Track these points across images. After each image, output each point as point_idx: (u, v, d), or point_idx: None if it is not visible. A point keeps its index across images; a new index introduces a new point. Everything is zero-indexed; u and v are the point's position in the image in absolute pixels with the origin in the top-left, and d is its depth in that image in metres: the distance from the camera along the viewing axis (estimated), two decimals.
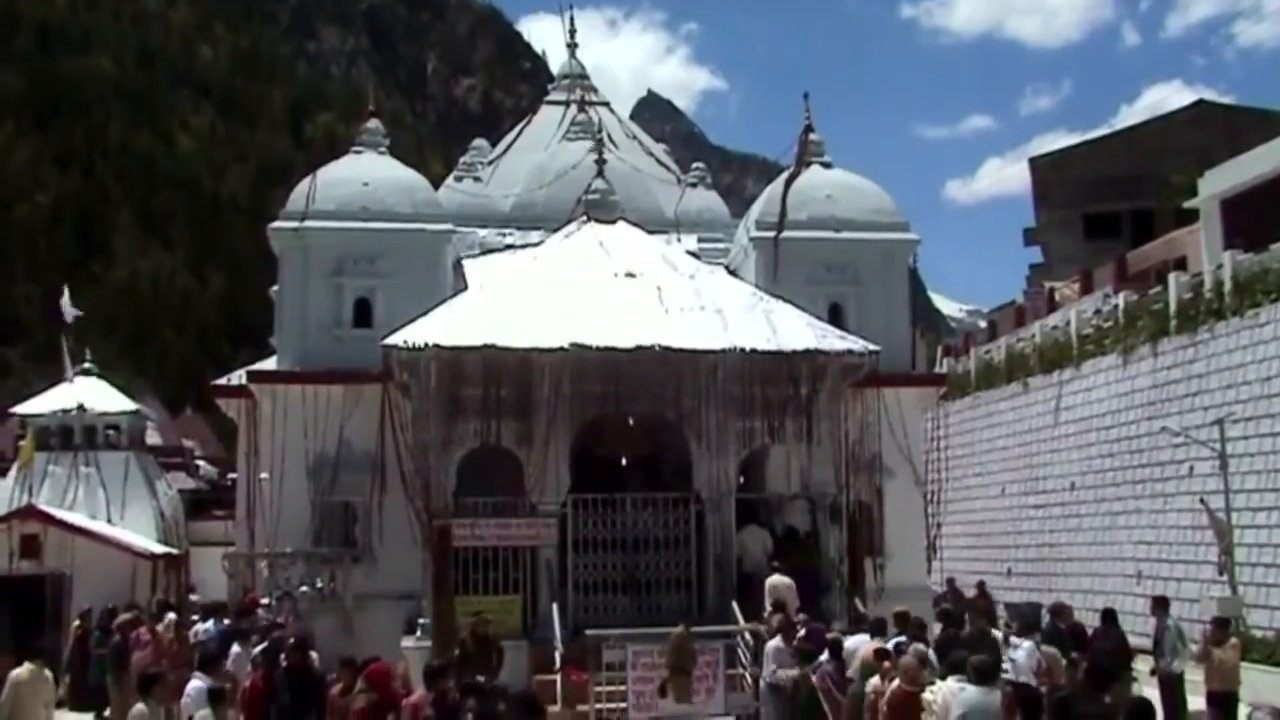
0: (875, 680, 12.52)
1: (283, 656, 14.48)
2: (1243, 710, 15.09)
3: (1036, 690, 10.14)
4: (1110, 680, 11.24)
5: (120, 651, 20.27)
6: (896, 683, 12.08)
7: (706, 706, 17.18)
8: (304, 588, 22.44)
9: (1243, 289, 28.89)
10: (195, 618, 23.08)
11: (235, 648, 16.88)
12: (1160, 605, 18.46)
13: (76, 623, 25.72)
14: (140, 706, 11.79)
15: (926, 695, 11.11)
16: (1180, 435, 28.63)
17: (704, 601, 20.68)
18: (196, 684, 13.66)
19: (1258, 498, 26.83)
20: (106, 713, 20.50)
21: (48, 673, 15.46)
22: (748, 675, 18.79)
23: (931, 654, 13.03)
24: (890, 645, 15.01)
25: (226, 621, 20.41)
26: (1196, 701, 17.29)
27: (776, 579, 19.88)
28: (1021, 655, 14.31)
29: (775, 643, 16.18)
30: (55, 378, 39.07)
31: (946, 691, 10.72)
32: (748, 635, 18.93)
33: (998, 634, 17.34)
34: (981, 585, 27.34)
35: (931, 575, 25.93)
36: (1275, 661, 21.99)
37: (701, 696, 17.34)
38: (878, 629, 15.88)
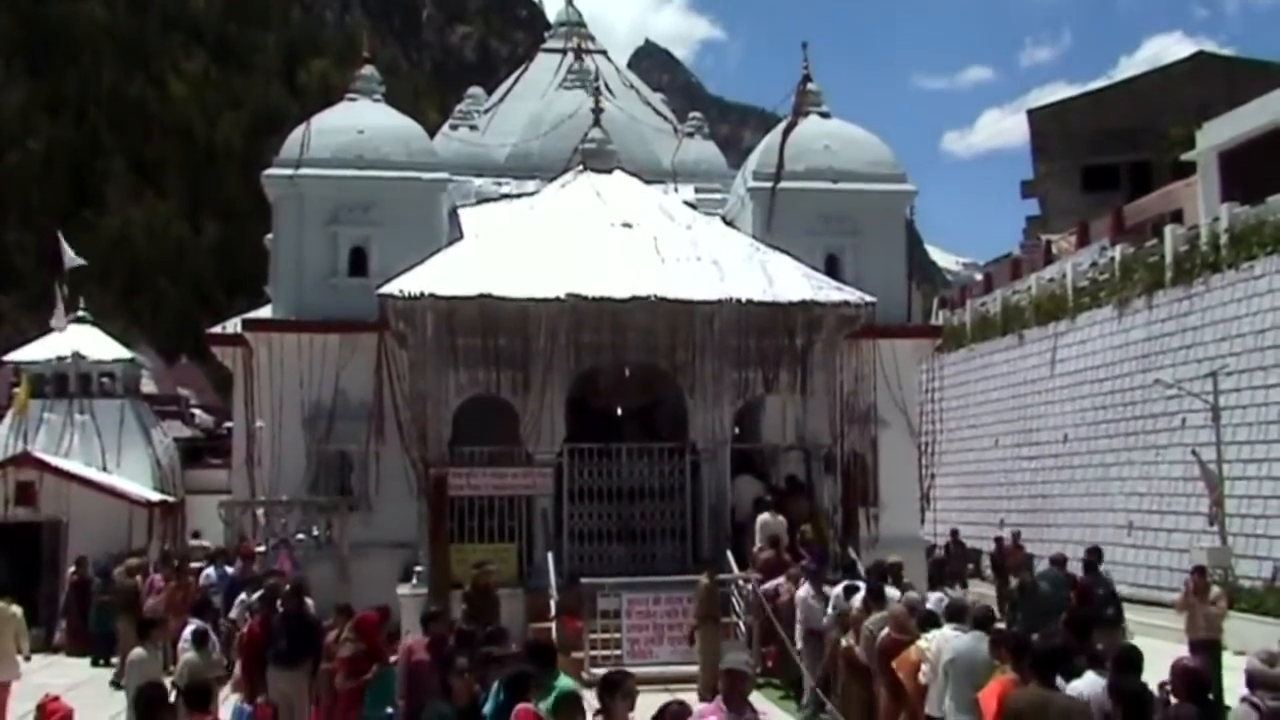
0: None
1: (279, 603, 14.59)
2: (1226, 657, 15.20)
3: (1023, 636, 10.23)
4: (1090, 628, 11.33)
5: (131, 597, 20.42)
6: (886, 630, 12.21)
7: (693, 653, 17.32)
8: (300, 535, 22.56)
9: (1239, 241, 28.89)
10: (200, 564, 23.24)
11: (242, 594, 17.07)
12: (1094, 555, 18.38)
13: (73, 570, 25.88)
14: (139, 649, 11.90)
15: (921, 642, 11.22)
16: (1173, 387, 28.72)
17: (699, 550, 20.80)
18: (192, 628, 13.80)
19: (1249, 449, 26.96)
20: (114, 658, 20.65)
21: (15, 609, 16.63)
22: (741, 624, 18.97)
23: (931, 604, 13.13)
24: (840, 589, 15.23)
25: (229, 569, 20.57)
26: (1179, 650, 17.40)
27: (767, 517, 20.05)
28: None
29: (804, 592, 16.36)
30: (48, 325, 39.01)
31: (940, 639, 10.82)
32: (742, 583, 19.10)
33: None
34: (1016, 536, 27.19)
35: (925, 526, 26.05)
36: (1264, 611, 22.18)
37: (686, 645, 17.53)
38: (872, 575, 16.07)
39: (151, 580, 21.25)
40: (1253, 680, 7.68)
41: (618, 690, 7.79)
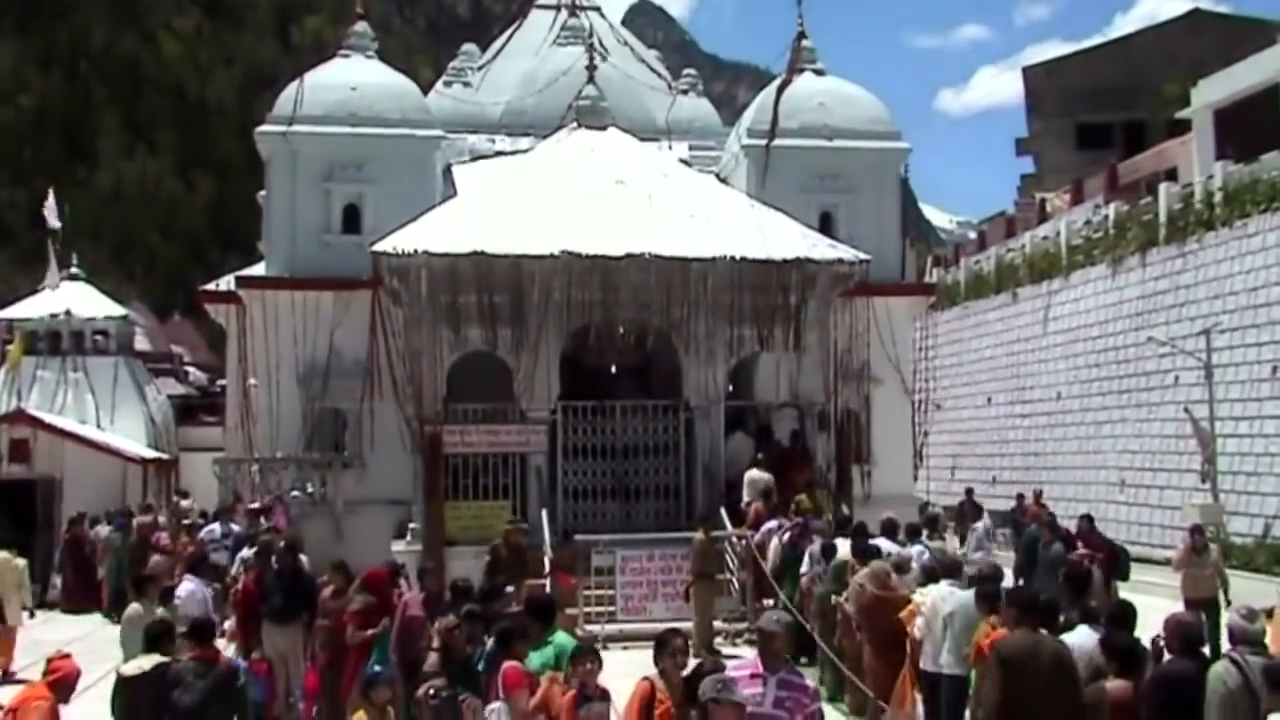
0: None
1: (274, 559, 14.65)
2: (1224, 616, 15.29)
3: (1001, 588, 10.35)
4: (1087, 584, 11.44)
5: (140, 552, 20.49)
6: (865, 586, 12.31)
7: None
8: (295, 493, 22.62)
9: (1232, 199, 28.90)
10: (199, 521, 23.34)
11: (244, 550, 17.17)
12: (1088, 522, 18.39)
13: (67, 526, 25.97)
14: (135, 605, 11.99)
15: (916, 597, 11.29)
16: (1166, 345, 28.80)
17: (692, 507, 20.87)
18: (187, 585, 13.86)
19: (1240, 407, 27.07)
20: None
21: (19, 560, 17.54)
22: (735, 580, 19.08)
23: (916, 561, 13.21)
24: (817, 547, 15.39)
25: (234, 526, 20.61)
26: (1172, 607, 17.51)
27: (755, 472, 20.15)
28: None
29: (815, 549, 16.56)
30: (41, 282, 38.93)
31: (936, 595, 10.90)
32: (736, 540, 19.20)
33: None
34: (1038, 495, 27.16)
35: (918, 483, 26.16)
36: (1254, 567, 22.35)
37: (680, 601, 17.65)
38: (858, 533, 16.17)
39: (158, 537, 21.36)
40: (1234, 636, 7.76)
41: (664, 649, 7.75)
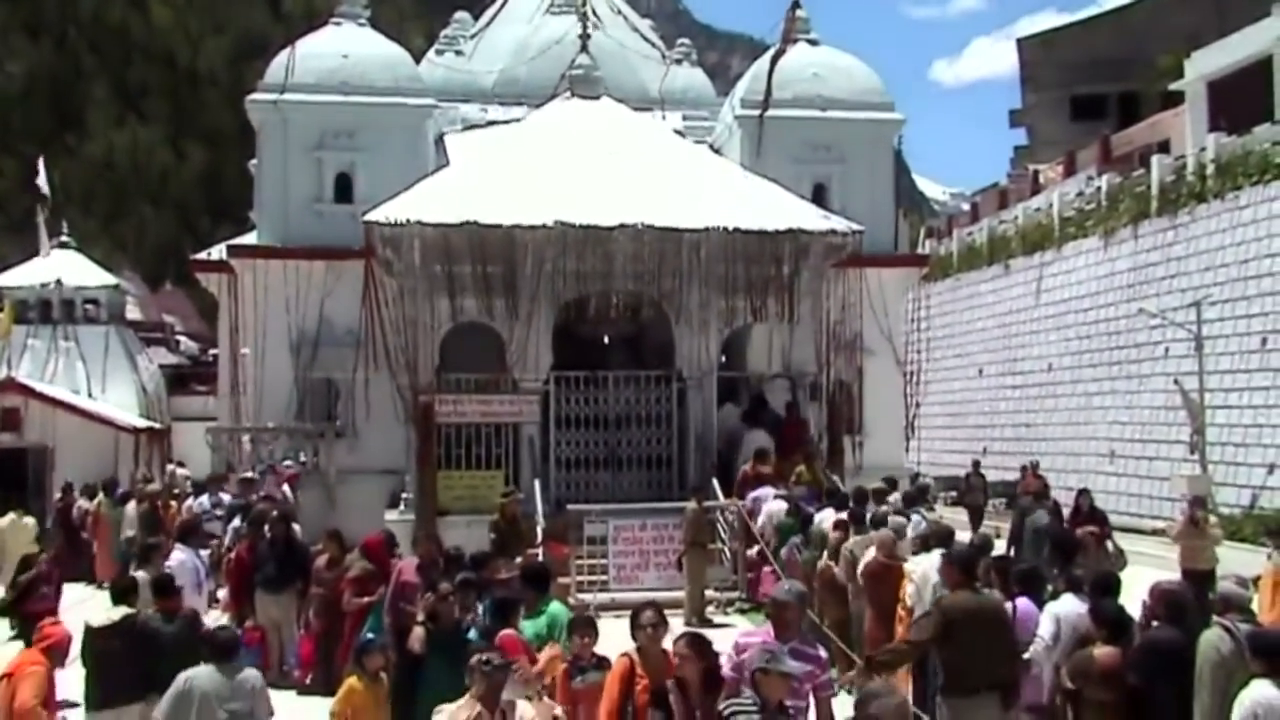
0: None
1: (267, 528, 14.70)
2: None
3: (971, 551, 10.45)
4: (1074, 553, 11.52)
5: (151, 520, 20.50)
6: (872, 553, 12.37)
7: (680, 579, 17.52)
8: (287, 462, 22.64)
9: (1225, 172, 28.92)
10: (189, 490, 23.39)
11: (235, 520, 17.21)
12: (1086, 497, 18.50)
13: (59, 495, 25.98)
14: (140, 573, 12.17)
15: (908, 566, 11.36)
16: (1157, 317, 28.86)
17: (685, 477, 20.93)
18: (178, 554, 13.92)
19: (1230, 379, 27.17)
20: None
21: (28, 520, 18.59)
22: (726, 549, 19.16)
23: (912, 530, 13.29)
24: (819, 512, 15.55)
25: (224, 495, 20.63)
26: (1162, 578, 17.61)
27: (754, 433, 20.22)
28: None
29: (772, 506, 16.66)
30: (32, 251, 38.82)
31: (928, 564, 10.98)
32: (728, 511, 19.27)
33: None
34: (1035, 466, 27.22)
35: (909, 454, 26.23)
36: (1241, 538, 22.46)
37: (673, 571, 17.73)
38: (842, 502, 16.27)
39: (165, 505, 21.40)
40: (1227, 603, 7.84)
41: (637, 623, 7.80)
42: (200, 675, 8.03)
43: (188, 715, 7.84)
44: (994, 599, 8.93)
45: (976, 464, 27.89)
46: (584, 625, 8.29)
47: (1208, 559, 16.20)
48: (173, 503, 21.37)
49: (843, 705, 7.20)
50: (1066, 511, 18.13)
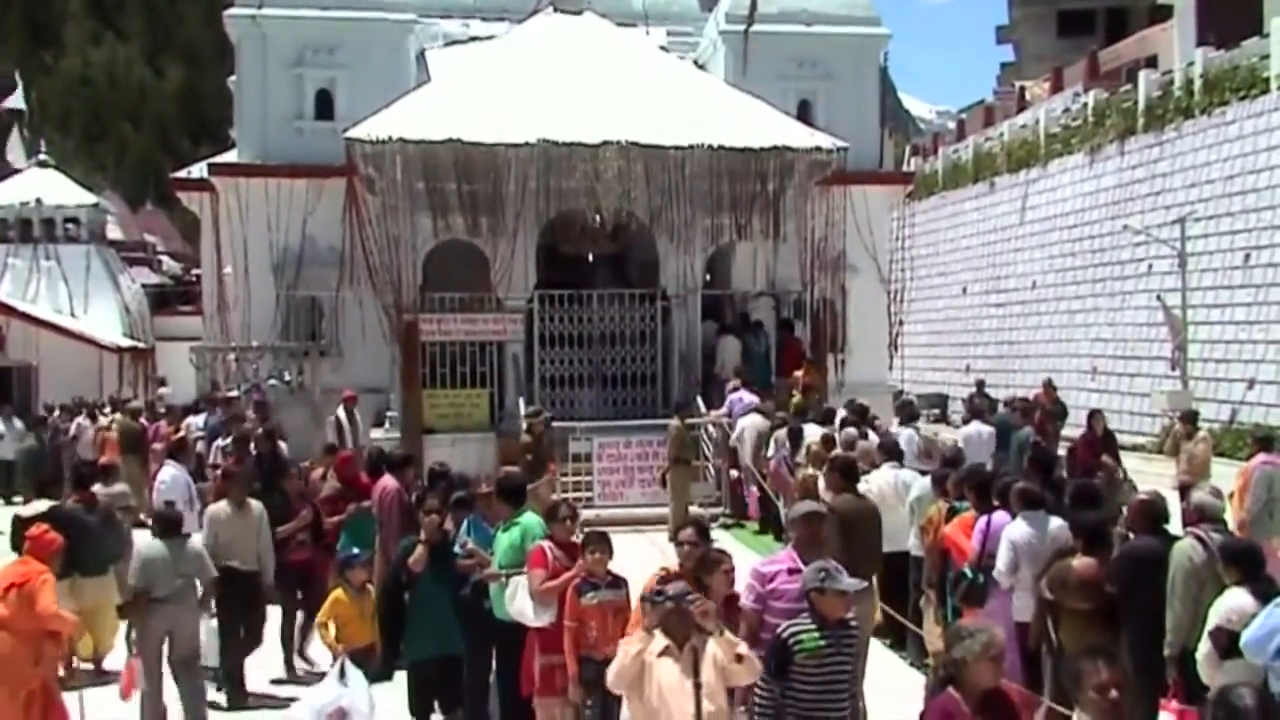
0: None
1: (252, 445, 14.73)
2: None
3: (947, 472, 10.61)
4: (1053, 466, 11.55)
5: (137, 437, 20.56)
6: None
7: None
8: (272, 381, 22.65)
9: (1212, 87, 28.76)
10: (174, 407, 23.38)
11: (218, 439, 17.24)
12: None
13: (44, 414, 25.99)
14: (121, 487, 12.47)
15: (861, 485, 11.27)
16: (1141, 234, 28.86)
17: (669, 395, 21.01)
18: (170, 470, 13.96)
19: (1213, 295, 27.26)
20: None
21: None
22: (710, 466, 19.31)
23: (906, 446, 13.48)
24: (784, 432, 15.78)
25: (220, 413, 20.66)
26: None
27: (724, 339, 21.24)
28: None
29: (749, 421, 16.82)
30: (7, 170, 38.41)
31: (879, 478, 11.19)
32: (711, 427, 19.39)
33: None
34: (1049, 383, 27.11)
35: (892, 372, 26.33)
36: (1220, 452, 22.64)
37: (656, 487, 17.87)
38: (826, 419, 16.39)
39: (157, 427, 21.36)
40: (1202, 513, 7.94)
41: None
42: (155, 545, 9.54)
43: (153, 577, 9.32)
44: (869, 504, 9.86)
45: (980, 384, 27.84)
46: (598, 541, 8.02)
47: (1202, 471, 16.29)
48: (160, 422, 21.34)
49: None
50: (1078, 434, 18.09)
